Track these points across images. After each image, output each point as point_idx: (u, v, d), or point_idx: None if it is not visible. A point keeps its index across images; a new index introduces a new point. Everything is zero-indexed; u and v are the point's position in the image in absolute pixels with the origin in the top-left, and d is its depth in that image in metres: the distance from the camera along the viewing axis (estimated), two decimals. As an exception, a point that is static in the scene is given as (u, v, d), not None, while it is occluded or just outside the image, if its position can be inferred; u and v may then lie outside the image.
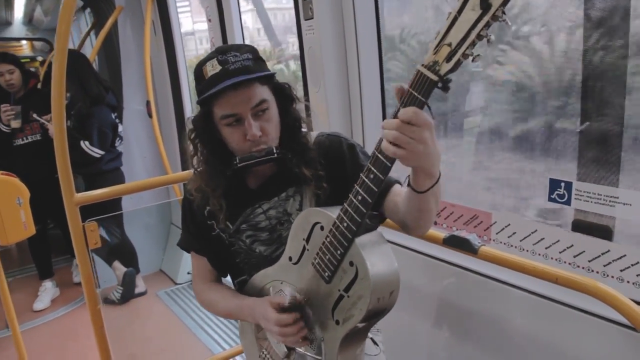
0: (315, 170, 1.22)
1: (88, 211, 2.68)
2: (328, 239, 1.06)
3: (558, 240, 1.60)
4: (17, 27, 6.37)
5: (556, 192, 1.56)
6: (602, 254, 1.50)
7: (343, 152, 1.26)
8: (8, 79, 3.36)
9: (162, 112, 3.74)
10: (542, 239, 1.64)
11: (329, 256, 1.06)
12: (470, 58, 0.82)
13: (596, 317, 1.45)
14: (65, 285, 3.90)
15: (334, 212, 1.06)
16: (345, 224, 1.02)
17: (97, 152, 3.23)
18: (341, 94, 2.04)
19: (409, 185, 1.01)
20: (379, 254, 1.04)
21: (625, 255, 1.45)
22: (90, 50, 4.51)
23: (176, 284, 3.83)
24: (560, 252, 1.60)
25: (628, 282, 1.45)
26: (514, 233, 1.72)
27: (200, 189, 1.28)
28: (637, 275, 1.43)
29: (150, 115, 3.59)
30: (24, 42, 7.22)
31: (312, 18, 1.94)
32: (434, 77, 0.84)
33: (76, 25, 6.31)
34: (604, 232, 1.52)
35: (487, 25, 0.79)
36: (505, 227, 1.75)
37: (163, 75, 3.60)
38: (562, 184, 1.55)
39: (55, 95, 1.58)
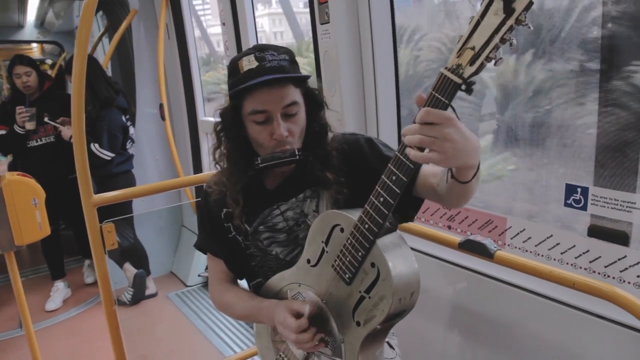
0: (337, 175, 1.23)
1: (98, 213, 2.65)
2: (349, 241, 1.06)
3: (574, 246, 1.60)
4: (29, 29, 6.44)
5: (572, 198, 1.56)
6: (619, 259, 1.50)
7: (362, 148, 1.27)
8: (25, 81, 3.40)
9: (175, 115, 3.76)
10: (558, 244, 1.64)
11: (349, 258, 1.07)
12: (493, 62, 0.83)
13: (613, 323, 1.44)
14: (77, 286, 3.93)
15: (354, 215, 1.07)
16: (366, 226, 1.02)
17: (107, 155, 3.26)
18: (357, 98, 2.05)
19: (452, 177, 1.01)
20: (400, 255, 1.04)
21: (642, 261, 1.45)
22: (103, 53, 4.55)
23: (187, 286, 3.85)
24: (576, 258, 1.60)
25: (645, 288, 1.45)
26: (529, 238, 1.72)
27: (220, 181, 1.29)
28: (655, 282, 1.44)
29: (163, 118, 3.61)
30: (34, 44, 7.27)
31: (328, 22, 1.95)
32: (458, 80, 0.85)
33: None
34: (620, 237, 1.52)
35: (511, 29, 0.80)
36: (520, 232, 1.75)
37: (176, 79, 3.62)
38: (579, 189, 1.55)
39: (75, 99, 1.61)
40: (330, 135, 1.28)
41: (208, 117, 3.64)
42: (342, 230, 1.10)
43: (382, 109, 2.06)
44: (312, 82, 1.27)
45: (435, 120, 0.86)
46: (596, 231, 1.57)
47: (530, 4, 0.77)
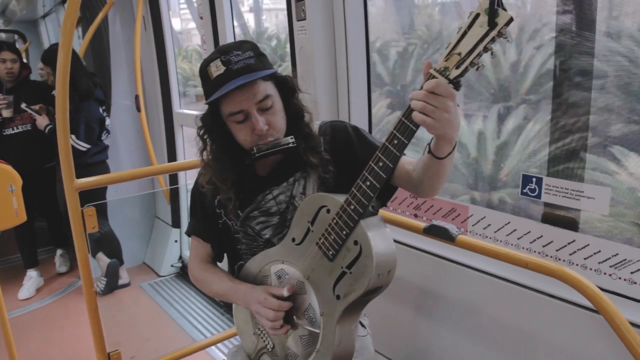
0: (320, 156, 1.31)
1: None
2: (334, 221, 1.16)
3: (529, 232, 1.75)
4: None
5: (528, 187, 1.71)
6: (569, 243, 1.64)
7: (349, 135, 1.35)
8: (10, 67, 3.43)
9: (150, 106, 3.79)
10: (515, 230, 1.79)
11: (334, 236, 1.17)
12: (476, 67, 0.95)
13: (562, 301, 1.58)
14: (49, 275, 3.94)
15: (340, 197, 1.18)
16: (352, 207, 1.13)
17: (83, 146, 3.29)
18: (330, 92, 2.16)
19: (429, 152, 1.10)
20: (380, 235, 1.15)
21: (588, 245, 1.60)
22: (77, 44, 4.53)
23: (159, 276, 3.90)
24: (530, 243, 1.75)
25: (591, 269, 1.60)
26: (489, 225, 1.86)
27: (211, 181, 1.36)
28: (599, 263, 1.59)
29: (139, 110, 3.65)
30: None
31: (305, 19, 2.05)
32: None
33: (54, 19, 6.27)
34: (570, 223, 1.68)
35: (493, 40, 0.92)
36: (481, 219, 1.89)
37: (152, 71, 3.65)
38: (534, 179, 1.69)
39: (59, 88, 1.67)
40: (307, 116, 1.35)
41: (184, 109, 3.69)
42: (328, 211, 1.20)
43: (354, 101, 2.17)
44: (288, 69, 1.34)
45: (442, 93, 0.97)
46: (549, 218, 1.73)
47: (511, 20, 0.89)
